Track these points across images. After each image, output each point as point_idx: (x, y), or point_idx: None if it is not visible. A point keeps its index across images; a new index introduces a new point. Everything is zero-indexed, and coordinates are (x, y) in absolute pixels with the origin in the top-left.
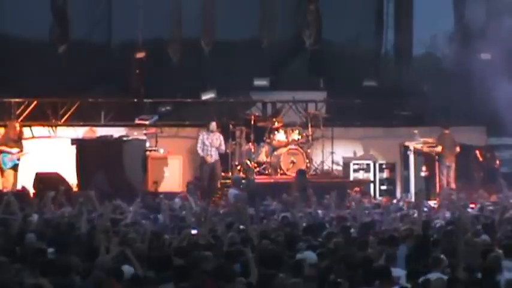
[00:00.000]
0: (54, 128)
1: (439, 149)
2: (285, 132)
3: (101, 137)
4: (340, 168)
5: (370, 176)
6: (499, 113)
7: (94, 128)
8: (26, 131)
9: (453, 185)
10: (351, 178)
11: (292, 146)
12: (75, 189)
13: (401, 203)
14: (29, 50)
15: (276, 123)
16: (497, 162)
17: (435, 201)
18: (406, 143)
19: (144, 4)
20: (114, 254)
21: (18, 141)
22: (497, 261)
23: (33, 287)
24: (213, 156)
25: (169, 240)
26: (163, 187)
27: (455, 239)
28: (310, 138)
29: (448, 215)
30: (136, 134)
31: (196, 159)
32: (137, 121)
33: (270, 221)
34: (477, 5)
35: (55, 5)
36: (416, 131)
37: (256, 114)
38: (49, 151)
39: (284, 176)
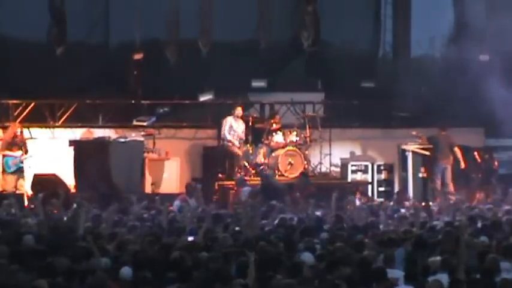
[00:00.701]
0: (52, 129)
1: (427, 151)
2: (283, 133)
3: (98, 138)
4: (338, 169)
5: (368, 177)
6: (497, 114)
7: (92, 130)
8: (24, 133)
9: (451, 187)
10: (349, 179)
11: (290, 148)
12: (72, 190)
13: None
14: (26, 51)
15: (274, 125)
16: (496, 163)
17: (434, 203)
18: (403, 147)
19: (142, 5)
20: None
21: (21, 144)
22: (496, 262)
23: None
24: (240, 148)
25: (167, 242)
26: (161, 189)
27: (455, 240)
28: (308, 139)
29: (447, 217)
30: (134, 136)
31: (195, 160)
32: (135, 122)
33: (268, 222)
34: (475, 6)
35: (53, 7)
36: (414, 132)
37: (254, 115)
38: (47, 152)
39: (282, 178)
